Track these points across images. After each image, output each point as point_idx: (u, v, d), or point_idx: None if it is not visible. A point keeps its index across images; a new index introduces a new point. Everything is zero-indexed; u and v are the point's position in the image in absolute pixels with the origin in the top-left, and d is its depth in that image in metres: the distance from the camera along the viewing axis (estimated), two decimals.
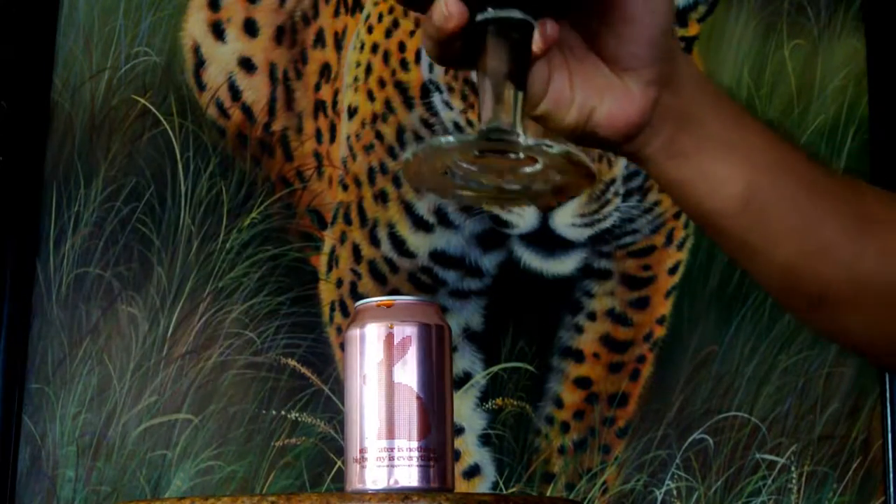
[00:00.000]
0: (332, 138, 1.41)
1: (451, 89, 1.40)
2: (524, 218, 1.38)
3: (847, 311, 0.67)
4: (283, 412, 1.35)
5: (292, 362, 1.36)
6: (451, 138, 0.54)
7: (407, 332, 0.85)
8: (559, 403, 1.38)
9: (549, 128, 0.62)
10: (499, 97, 0.54)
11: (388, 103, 1.41)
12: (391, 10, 1.42)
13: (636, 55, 0.61)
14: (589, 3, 0.59)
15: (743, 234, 0.65)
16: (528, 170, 0.55)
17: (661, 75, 0.62)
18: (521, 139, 0.54)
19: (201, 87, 1.42)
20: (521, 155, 0.54)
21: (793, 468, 1.37)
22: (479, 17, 0.55)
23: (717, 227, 0.66)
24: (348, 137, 1.41)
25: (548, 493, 1.35)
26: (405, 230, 1.39)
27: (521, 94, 0.56)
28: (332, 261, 1.39)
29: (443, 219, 1.40)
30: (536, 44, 0.56)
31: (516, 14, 0.55)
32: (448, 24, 0.55)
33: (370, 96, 1.41)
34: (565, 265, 1.40)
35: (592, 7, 0.61)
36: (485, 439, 1.36)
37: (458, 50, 0.57)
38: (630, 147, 0.64)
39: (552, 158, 0.54)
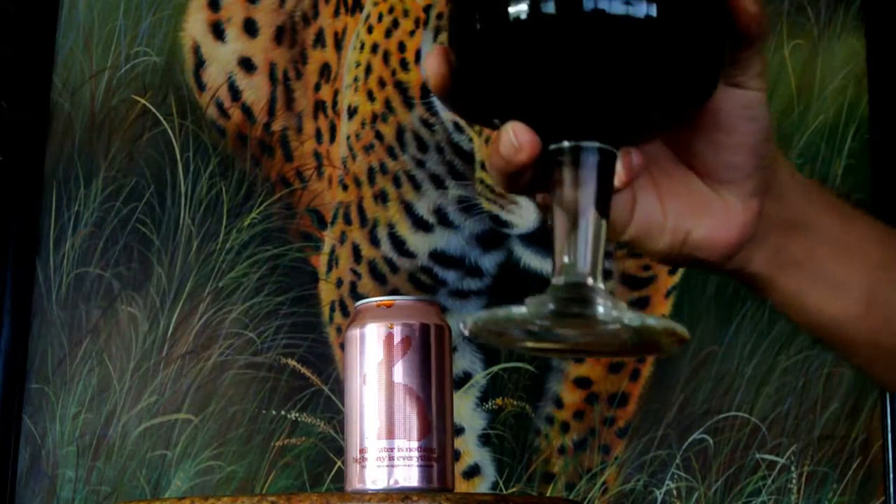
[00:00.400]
0: (332, 138, 1.41)
1: None
2: (524, 218, 1.38)
3: None
4: (283, 412, 1.35)
5: (292, 362, 1.36)
6: (521, 310, 0.47)
7: (407, 332, 0.85)
8: (559, 403, 1.38)
9: (639, 253, 0.56)
10: (574, 238, 0.47)
11: (388, 103, 1.41)
12: (391, 10, 1.42)
13: (736, 165, 0.55)
14: (694, 118, 0.53)
15: (872, 335, 0.61)
16: (611, 328, 0.47)
17: (763, 184, 0.56)
18: (601, 307, 0.46)
19: (201, 87, 1.42)
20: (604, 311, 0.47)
21: (793, 468, 1.37)
22: (552, 148, 0.48)
23: (842, 336, 0.61)
24: (348, 137, 1.41)
25: (548, 493, 1.35)
26: (405, 230, 1.39)
27: (602, 237, 0.48)
28: (332, 261, 1.39)
29: (443, 219, 1.40)
30: (619, 176, 0.50)
31: (596, 145, 0.48)
32: (517, 157, 0.48)
33: (370, 96, 1.41)
34: None
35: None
36: (485, 439, 1.36)
37: (528, 180, 0.50)
38: (732, 265, 0.57)
39: (638, 328, 0.47)
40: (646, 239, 0.55)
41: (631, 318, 0.46)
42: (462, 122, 1.40)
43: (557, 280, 0.47)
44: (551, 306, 0.46)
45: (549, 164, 0.48)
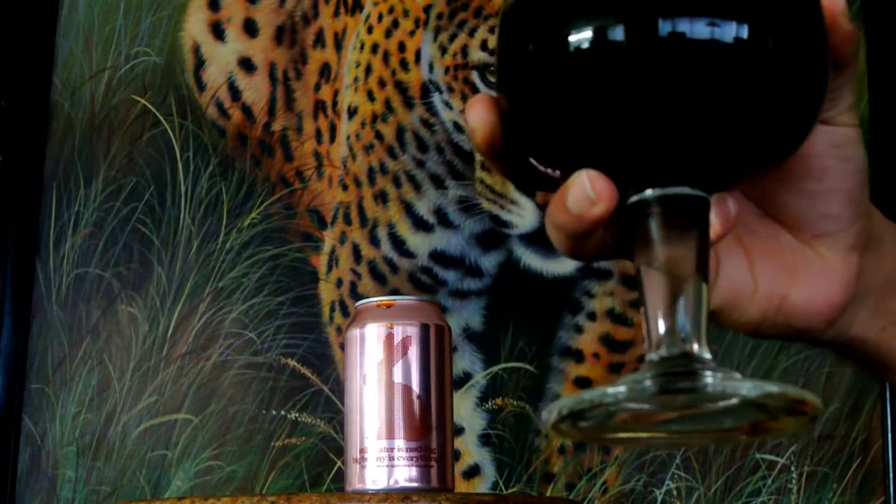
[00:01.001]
0: (332, 138, 1.41)
1: (451, 89, 1.40)
2: (524, 218, 1.38)
3: None
4: (283, 412, 1.35)
5: (292, 362, 1.36)
6: (618, 390, 0.38)
7: (407, 332, 0.85)
8: None
9: (723, 325, 0.48)
10: (673, 304, 0.39)
11: (388, 103, 1.41)
12: (391, 10, 1.42)
13: (832, 215, 0.47)
14: (792, 155, 0.44)
15: None
16: (720, 404, 0.39)
17: (862, 235, 0.48)
18: (709, 381, 0.38)
19: (201, 87, 1.42)
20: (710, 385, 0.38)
21: (793, 468, 1.37)
22: (634, 199, 0.40)
23: None
24: (348, 137, 1.41)
25: (548, 493, 1.35)
26: (405, 230, 1.39)
27: (705, 299, 0.40)
28: (332, 261, 1.39)
29: (443, 219, 1.40)
30: (713, 227, 0.42)
31: (686, 191, 0.40)
32: (593, 211, 0.40)
33: (370, 96, 1.41)
34: (565, 265, 1.40)
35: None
36: (485, 439, 1.36)
37: (600, 240, 0.42)
38: (833, 332, 0.49)
39: (754, 400, 0.38)
40: (734, 308, 0.47)
41: (749, 388, 0.37)
42: (462, 122, 1.40)
43: (655, 354, 0.39)
44: (649, 384, 0.38)
45: (629, 219, 0.41)
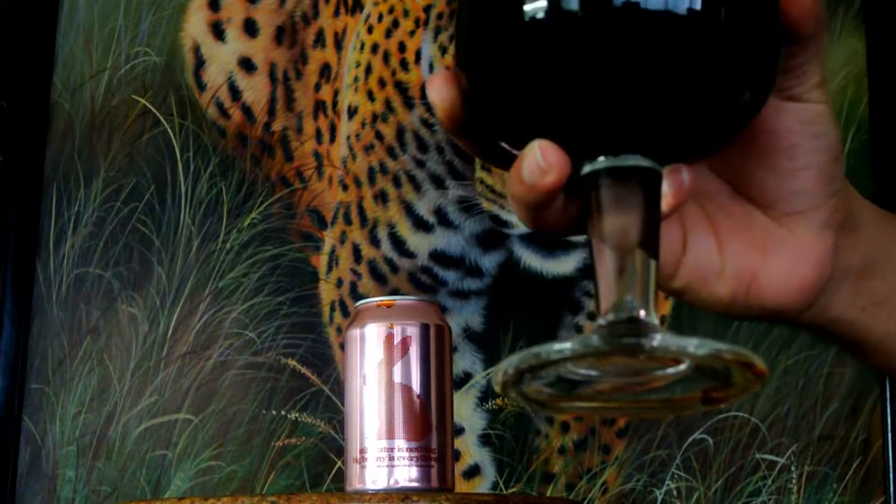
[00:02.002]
0: (332, 138, 1.41)
1: None
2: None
3: None
4: (283, 412, 1.35)
5: (292, 362, 1.36)
6: (564, 345, 0.38)
7: (407, 332, 0.85)
8: None
9: (693, 304, 0.48)
10: (622, 274, 0.40)
11: (388, 103, 1.41)
12: (391, 10, 1.42)
13: (803, 192, 0.47)
14: (745, 128, 0.44)
15: None
16: (669, 371, 0.40)
17: (836, 213, 0.48)
18: (658, 338, 0.38)
19: (201, 87, 1.42)
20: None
21: (793, 468, 1.37)
22: (587, 169, 0.41)
23: None
24: (348, 137, 1.41)
25: (548, 493, 1.35)
26: (405, 230, 1.39)
27: (652, 268, 0.40)
28: (332, 261, 1.39)
29: (443, 219, 1.40)
30: (665, 199, 0.42)
31: (639, 161, 0.40)
32: (544, 180, 0.40)
33: (370, 96, 1.41)
34: (565, 265, 1.40)
35: (740, 140, 0.46)
36: (485, 439, 1.36)
37: (558, 211, 0.42)
38: (808, 314, 0.49)
39: (702, 359, 0.39)
40: (701, 286, 0.47)
41: (696, 345, 0.38)
42: None
43: (603, 319, 0.40)
44: (596, 340, 0.39)
45: (582, 189, 0.41)
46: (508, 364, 0.39)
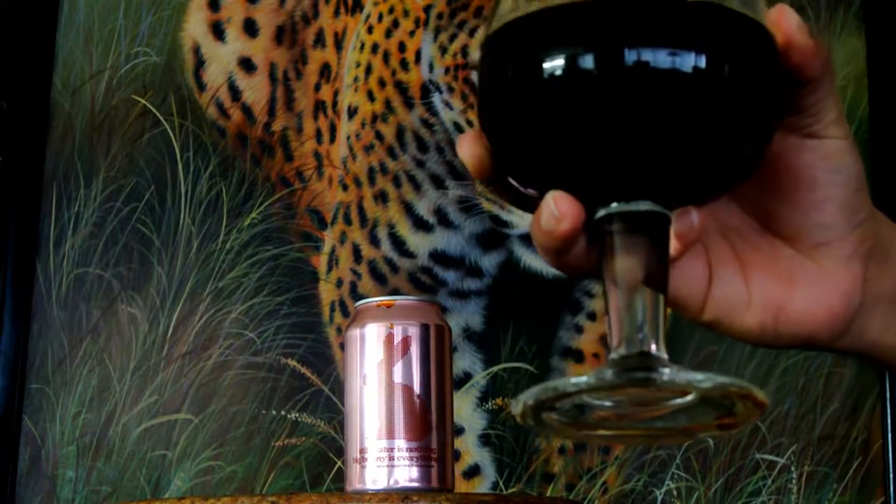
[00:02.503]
0: (332, 138, 1.41)
1: (451, 89, 1.40)
2: (524, 218, 1.38)
3: None
4: (283, 412, 1.35)
5: (292, 362, 1.36)
6: (580, 379, 0.41)
7: (407, 332, 0.85)
8: None
9: (726, 334, 0.50)
10: (631, 311, 0.43)
11: (388, 103, 1.41)
12: (391, 11, 1.42)
13: (825, 225, 0.49)
14: (753, 174, 0.46)
15: None
16: (678, 401, 0.43)
17: (862, 243, 0.49)
18: (666, 372, 0.42)
19: (201, 87, 1.42)
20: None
21: (793, 468, 1.37)
22: (601, 213, 0.44)
23: None
24: (348, 137, 1.41)
25: (548, 493, 1.35)
26: (405, 230, 1.39)
27: (661, 304, 0.43)
28: (332, 261, 1.39)
29: (443, 219, 1.40)
30: (676, 240, 0.45)
31: (649, 206, 0.43)
32: (559, 228, 0.43)
33: (370, 96, 1.41)
34: None
35: (755, 180, 0.48)
36: (485, 439, 1.36)
37: (579, 255, 0.45)
38: (844, 341, 0.51)
39: (707, 391, 0.42)
40: (731, 318, 0.49)
41: (702, 379, 0.41)
42: (462, 122, 1.40)
43: (615, 353, 0.43)
44: (609, 374, 0.42)
45: (598, 234, 0.44)
46: (527, 396, 0.42)
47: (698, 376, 0.41)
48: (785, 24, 0.45)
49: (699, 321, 0.50)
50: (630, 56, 0.41)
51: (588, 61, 0.41)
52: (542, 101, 0.42)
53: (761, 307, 0.49)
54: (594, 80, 0.41)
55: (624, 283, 0.43)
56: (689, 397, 0.43)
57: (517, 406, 0.42)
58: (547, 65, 0.41)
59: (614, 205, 0.43)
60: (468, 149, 0.46)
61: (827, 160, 0.48)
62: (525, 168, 0.45)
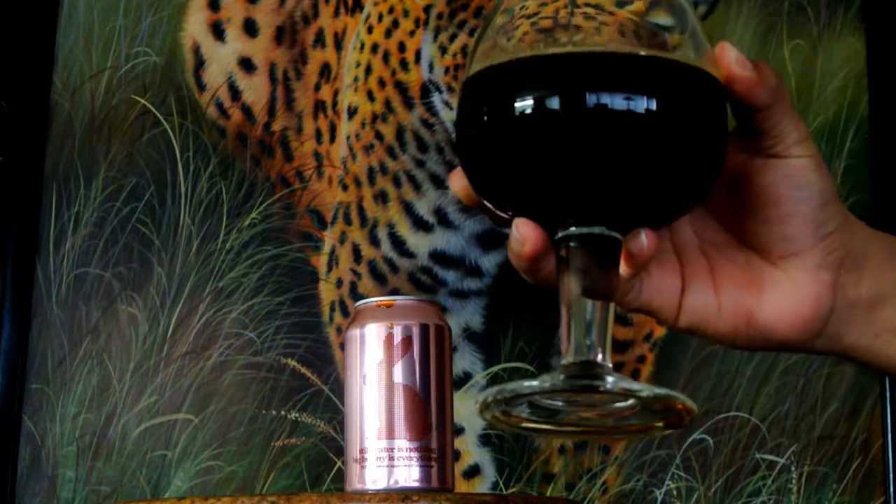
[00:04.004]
0: (332, 138, 1.41)
1: (451, 89, 1.40)
2: None
3: None
4: (283, 412, 1.35)
5: (292, 362, 1.36)
6: (533, 382, 0.47)
7: (407, 332, 0.85)
8: None
9: (704, 339, 0.56)
10: (579, 323, 0.48)
11: (388, 103, 1.41)
12: (391, 10, 1.42)
13: (791, 237, 0.53)
14: (700, 202, 0.52)
15: None
16: (619, 405, 0.49)
17: (831, 254, 0.53)
18: (609, 380, 0.47)
19: (201, 87, 1.42)
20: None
21: (793, 468, 1.37)
22: (559, 235, 0.49)
23: None
24: (348, 137, 1.41)
25: (548, 493, 1.35)
26: (405, 230, 1.39)
27: (609, 318, 0.49)
28: (332, 261, 1.39)
29: (443, 219, 1.40)
30: (629, 260, 0.50)
31: (602, 230, 0.48)
32: (524, 250, 0.49)
33: (370, 96, 1.41)
34: None
35: (728, 198, 0.53)
36: (485, 439, 1.36)
37: (551, 271, 0.50)
38: (823, 343, 0.55)
39: (644, 399, 0.47)
40: (704, 325, 0.54)
41: (640, 388, 0.46)
42: None
43: (566, 360, 0.48)
44: (561, 378, 0.47)
45: (558, 253, 0.49)
46: (487, 394, 0.47)
47: (636, 385, 0.46)
48: (725, 60, 0.49)
49: (676, 328, 0.54)
50: (588, 99, 0.46)
51: (551, 103, 0.47)
52: (509, 137, 0.48)
53: (731, 314, 0.53)
54: (554, 121, 0.47)
55: (574, 297, 0.48)
56: (631, 401, 0.48)
57: (477, 402, 0.48)
58: (515, 105, 0.47)
59: (572, 228, 0.48)
60: (457, 182, 0.51)
61: (790, 178, 0.52)
62: (496, 196, 0.51)
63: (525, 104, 0.47)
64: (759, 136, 0.51)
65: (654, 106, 0.46)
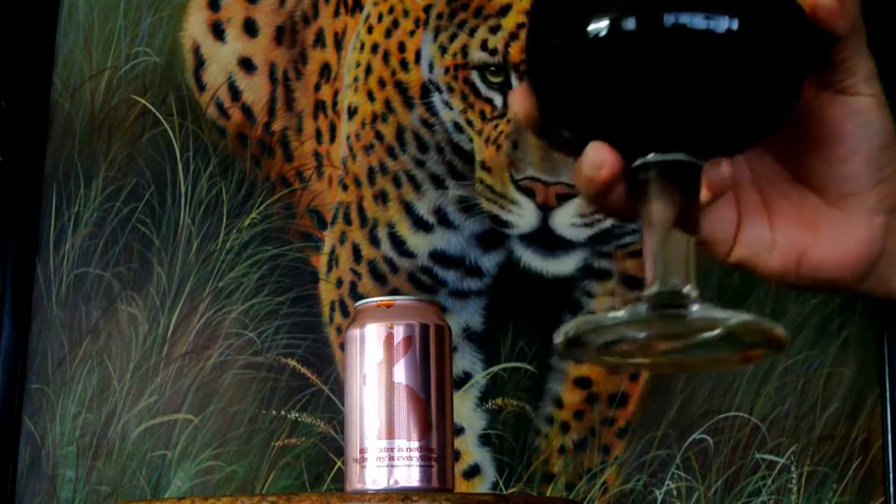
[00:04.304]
0: (332, 138, 1.41)
1: (451, 89, 1.40)
2: (524, 218, 1.38)
3: None
4: (283, 412, 1.35)
5: (292, 362, 1.36)
6: (618, 313, 0.47)
7: (407, 332, 0.85)
8: (559, 403, 1.38)
9: (753, 275, 0.55)
10: (664, 252, 0.47)
11: (387, 103, 1.41)
12: (391, 10, 1.42)
13: (851, 177, 0.53)
14: (779, 128, 0.51)
15: None
16: (706, 336, 0.47)
17: (886, 198, 0.53)
18: (695, 309, 0.46)
19: (201, 87, 1.42)
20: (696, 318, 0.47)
21: (793, 468, 1.37)
22: (638, 163, 0.48)
23: None
24: (348, 137, 1.41)
25: (548, 493, 1.35)
26: (405, 230, 1.39)
27: (691, 247, 0.48)
28: (332, 261, 1.39)
29: (443, 219, 1.40)
30: (707, 188, 0.49)
31: (682, 157, 0.48)
32: (599, 175, 0.48)
33: (370, 96, 1.41)
34: (565, 265, 1.40)
35: (788, 133, 0.52)
36: (485, 439, 1.36)
37: (621, 199, 0.49)
38: (866, 285, 0.54)
39: (732, 327, 0.46)
40: (755, 260, 0.53)
41: (727, 315, 0.46)
42: (462, 122, 1.40)
43: (650, 290, 0.47)
44: (645, 308, 0.47)
45: (635, 181, 0.49)
46: (567, 328, 0.47)
47: (724, 314, 0.46)
48: None
49: (728, 262, 0.54)
50: (668, 18, 0.45)
51: (629, 23, 0.46)
52: (587, 60, 0.47)
53: (784, 251, 0.53)
54: (634, 41, 0.46)
55: (658, 227, 0.47)
56: (716, 332, 0.46)
57: (558, 337, 0.47)
58: (592, 26, 0.46)
59: (651, 155, 0.47)
60: (519, 102, 0.50)
61: (856, 116, 0.51)
62: (571, 120, 0.50)
63: (609, 24, 0.46)
64: (831, 68, 0.51)
65: (739, 28, 0.45)
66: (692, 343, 0.48)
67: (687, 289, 0.47)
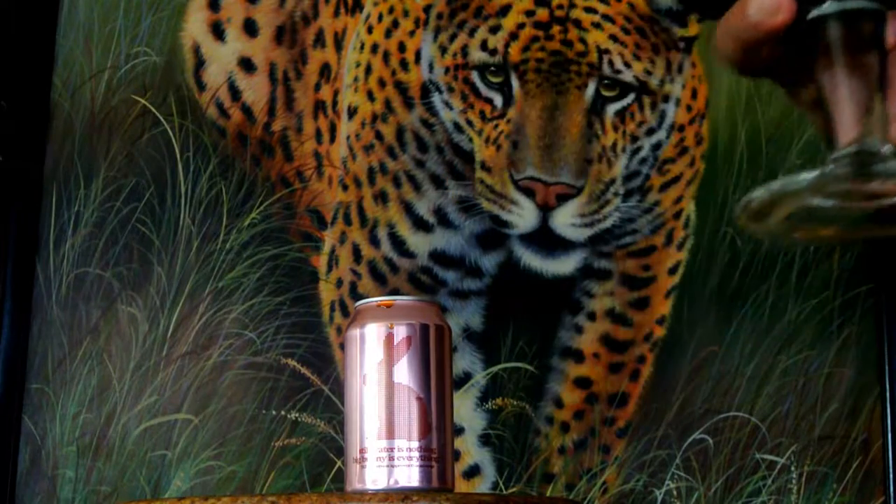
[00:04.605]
0: (332, 138, 1.41)
1: (451, 89, 1.40)
2: (524, 218, 1.38)
3: None
4: (283, 412, 1.35)
5: (292, 362, 1.36)
6: (808, 175, 0.43)
7: (407, 332, 0.85)
8: (559, 403, 1.38)
9: None
10: (860, 110, 0.44)
11: (388, 103, 1.41)
12: (391, 11, 1.42)
13: None
14: None
15: None
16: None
17: None
18: (893, 165, 0.43)
19: (201, 87, 1.42)
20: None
21: (793, 468, 1.37)
22: (814, 14, 0.45)
23: None
24: (348, 137, 1.41)
25: (548, 493, 1.35)
26: (405, 230, 1.39)
27: (881, 102, 0.44)
28: (332, 261, 1.39)
29: (443, 219, 1.40)
30: (888, 38, 0.45)
31: (864, 4, 0.44)
32: (772, 20, 0.44)
33: (370, 96, 1.41)
34: (565, 265, 1.40)
35: None
36: (485, 439, 1.36)
37: (769, 55, 0.46)
38: None
39: None
40: None
41: None
42: (462, 122, 1.40)
43: (838, 152, 0.44)
44: (833, 169, 0.43)
45: (809, 35, 0.44)
46: (749, 198, 0.44)
47: None
48: None
49: None
50: None
51: None
52: None
53: None
54: None
55: (848, 83, 0.44)
56: None
57: (739, 209, 0.44)
58: None
59: (828, 4, 0.44)
60: None
61: None
62: None
63: None
64: None
65: None
66: (885, 205, 0.44)
67: (884, 148, 0.44)
